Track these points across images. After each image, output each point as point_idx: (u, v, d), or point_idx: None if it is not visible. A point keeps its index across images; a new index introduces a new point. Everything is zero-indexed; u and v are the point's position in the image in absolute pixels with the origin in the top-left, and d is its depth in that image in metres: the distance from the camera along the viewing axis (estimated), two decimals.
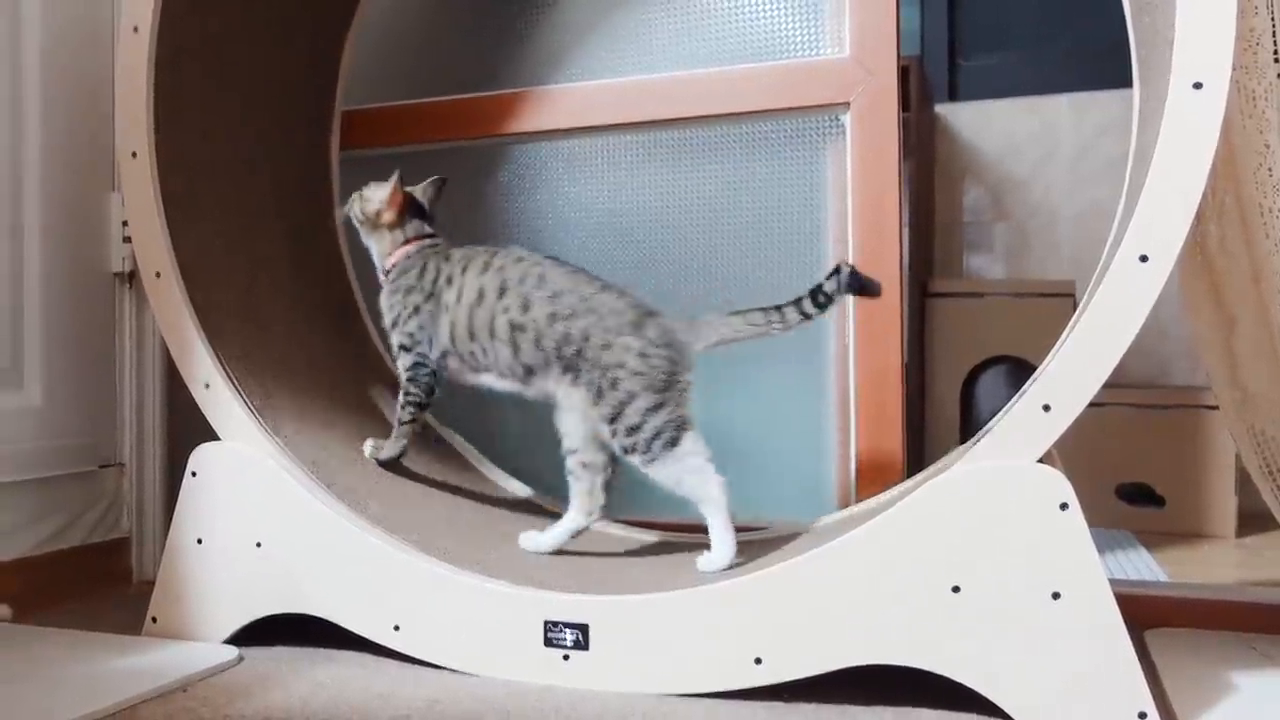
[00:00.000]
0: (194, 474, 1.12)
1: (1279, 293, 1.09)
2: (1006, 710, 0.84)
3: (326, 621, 1.06)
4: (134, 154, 1.16)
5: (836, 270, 1.02)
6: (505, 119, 1.49)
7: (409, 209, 1.23)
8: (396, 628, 1.03)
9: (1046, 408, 0.84)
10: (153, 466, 1.48)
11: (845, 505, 1.32)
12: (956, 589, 0.85)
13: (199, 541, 1.11)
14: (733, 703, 0.91)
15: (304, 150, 1.47)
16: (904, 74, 1.35)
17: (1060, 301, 2.20)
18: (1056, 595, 0.83)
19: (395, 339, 1.19)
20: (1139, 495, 2.04)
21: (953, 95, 2.86)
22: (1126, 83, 1.03)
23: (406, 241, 1.22)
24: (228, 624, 1.09)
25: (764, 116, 1.39)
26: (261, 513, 1.09)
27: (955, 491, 0.86)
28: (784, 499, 1.36)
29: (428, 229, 1.24)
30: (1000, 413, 0.90)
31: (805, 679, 0.90)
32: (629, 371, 1.04)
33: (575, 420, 1.10)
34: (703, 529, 1.04)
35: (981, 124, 2.78)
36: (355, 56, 1.53)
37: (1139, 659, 0.82)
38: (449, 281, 1.15)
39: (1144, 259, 0.82)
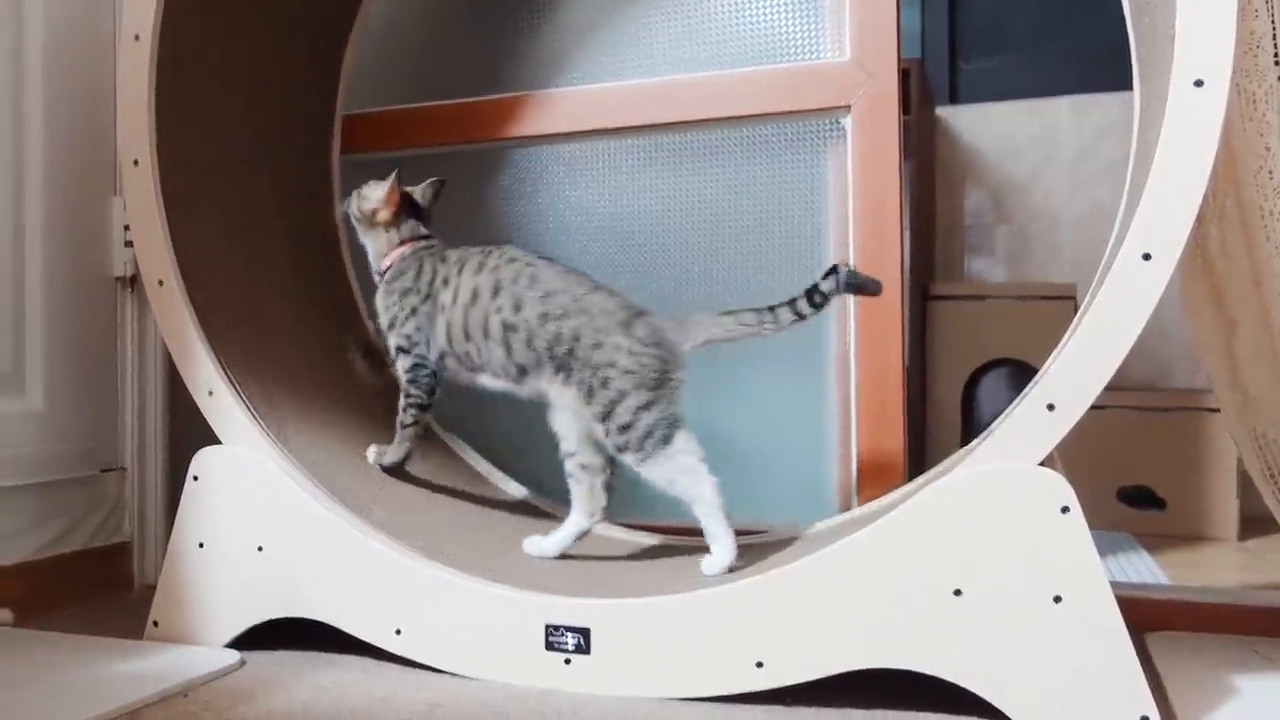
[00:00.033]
0: (195, 478, 1.12)
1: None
2: (1008, 714, 0.84)
3: (328, 626, 1.06)
4: (135, 161, 1.16)
5: (833, 269, 1.02)
6: (506, 123, 1.50)
7: (406, 209, 1.23)
8: (398, 632, 1.03)
9: (1049, 409, 0.84)
10: (154, 470, 1.48)
11: (846, 507, 1.32)
12: (958, 592, 0.85)
13: (200, 545, 1.11)
14: (734, 707, 0.91)
15: (304, 151, 1.47)
16: (904, 77, 1.35)
17: (1061, 304, 2.20)
18: (1058, 598, 0.83)
19: (393, 341, 1.20)
20: (1140, 498, 2.03)
21: (953, 98, 2.86)
22: (1127, 85, 1.03)
23: (403, 242, 1.22)
24: (229, 628, 1.09)
25: (765, 120, 1.39)
26: (263, 516, 1.09)
27: (956, 494, 0.86)
28: (784, 501, 1.36)
29: (423, 230, 1.24)
30: (1001, 415, 0.90)
31: (807, 683, 0.90)
32: (619, 370, 1.04)
33: (569, 420, 1.10)
34: None
35: (982, 126, 2.78)
36: (357, 58, 1.53)
37: (1141, 662, 0.81)
38: (445, 282, 1.16)
39: (1146, 257, 0.82)
